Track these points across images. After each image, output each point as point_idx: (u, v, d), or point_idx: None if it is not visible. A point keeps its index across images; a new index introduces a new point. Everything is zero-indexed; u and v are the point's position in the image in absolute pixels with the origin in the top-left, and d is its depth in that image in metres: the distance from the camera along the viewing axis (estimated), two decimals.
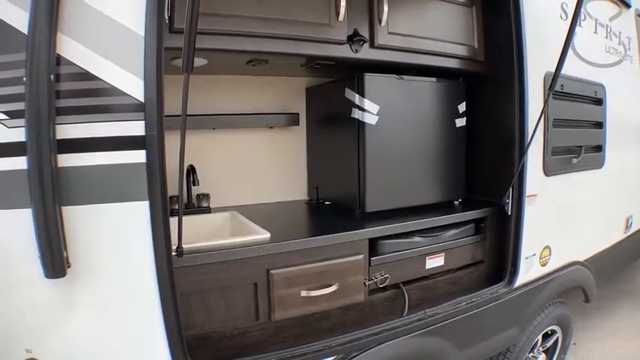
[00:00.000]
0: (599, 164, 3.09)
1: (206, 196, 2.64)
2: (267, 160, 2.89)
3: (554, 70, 2.27)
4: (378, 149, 2.38)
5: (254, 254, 1.91)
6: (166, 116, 1.59)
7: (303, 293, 2.04)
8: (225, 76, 2.68)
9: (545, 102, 2.37)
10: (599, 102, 3.03)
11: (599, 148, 3.07)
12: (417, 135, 2.52)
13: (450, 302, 2.35)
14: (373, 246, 2.24)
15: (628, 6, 3.39)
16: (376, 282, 2.23)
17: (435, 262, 2.42)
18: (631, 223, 3.57)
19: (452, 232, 2.47)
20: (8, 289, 1.46)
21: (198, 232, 2.31)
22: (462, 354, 2.44)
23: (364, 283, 2.20)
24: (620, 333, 4.15)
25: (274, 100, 2.85)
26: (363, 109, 2.33)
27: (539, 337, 3.06)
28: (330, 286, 2.08)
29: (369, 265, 2.22)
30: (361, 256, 2.17)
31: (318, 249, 2.06)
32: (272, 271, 1.96)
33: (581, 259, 3.07)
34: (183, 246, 1.67)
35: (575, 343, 3.94)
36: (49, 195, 1.40)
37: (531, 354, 3.09)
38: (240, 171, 2.81)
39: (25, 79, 1.37)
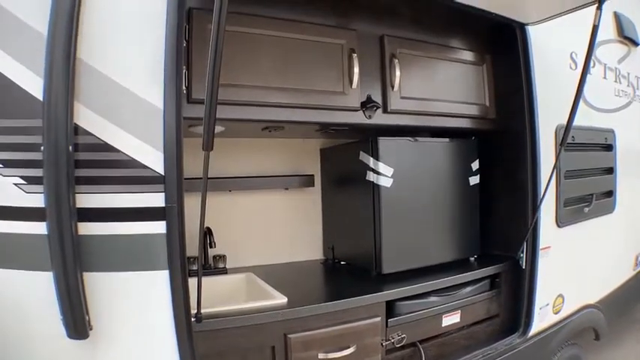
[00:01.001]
0: (610, 209, 3.13)
1: (222, 258, 2.67)
2: (283, 220, 2.93)
3: (565, 123, 2.32)
4: (394, 211, 2.43)
5: (272, 320, 1.95)
6: (185, 179, 1.62)
7: (321, 356, 2.06)
8: (242, 139, 2.74)
9: (557, 157, 2.41)
10: (609, 148, 3.08)
11: (610, 194, 3.12)
12: (432, 195, 2.57)
13: (467, 357, 2.39)
14: (390, 307, 2.27)
15: (636, 44, 3.42)
16: (393, 342, 2.28)
17: (451, 319, 2.45)
18: None
19: (468, 289, 2.51)
20: (29, 345, 1.52)
21: (214, 294, 2.36)
22: None
23: (381, 344, 2.24)
24: None
25: (289, 161, 2.90)
26: (377, 172, 2.37)
27: None
28: (348, 348, 2.12)
29: (387, 326, 2.25)
30: (379, 319, 2.20)
31: (335, 313, 2.09)
32: (289, 336, 1.98)
33: (593, 301, 3.11)
34: (203, 311, 1.73)
35: None
36: (70, 260, 1.44)
37: None
38: (256, 232, 2.84)
39: (42, 147, 1.41)
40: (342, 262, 2.86)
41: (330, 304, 2.09)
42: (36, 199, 1.45)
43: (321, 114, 2.16)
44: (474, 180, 2.70)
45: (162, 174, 1.55)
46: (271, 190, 2.86)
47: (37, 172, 1.44)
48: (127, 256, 1.55)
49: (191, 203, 1.68)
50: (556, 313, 2.78)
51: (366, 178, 2.42)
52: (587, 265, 2.99)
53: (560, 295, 2.77)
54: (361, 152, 2.44)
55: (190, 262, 2.45)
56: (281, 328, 1.98)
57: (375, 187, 2.40)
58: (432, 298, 2.39)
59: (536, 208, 2.46)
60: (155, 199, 1.56)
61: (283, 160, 2.89)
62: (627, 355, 4.31)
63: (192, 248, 2.49)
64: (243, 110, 2.00)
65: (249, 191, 2.79)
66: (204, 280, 2.32)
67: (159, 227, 1.56)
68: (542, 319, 2.67)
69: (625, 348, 4.40)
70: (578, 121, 2.61)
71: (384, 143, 2.38)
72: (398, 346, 2.31)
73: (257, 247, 2.85)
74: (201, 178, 1.53)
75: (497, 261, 2.67)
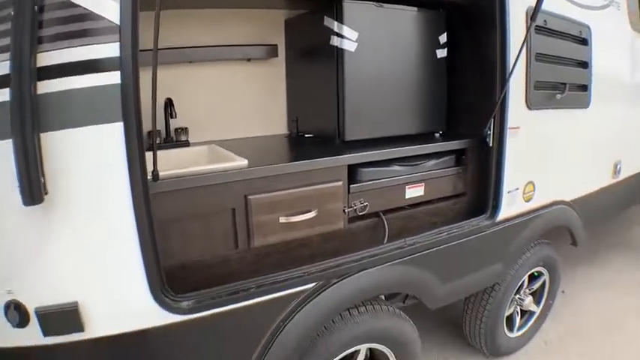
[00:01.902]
0: (584, 104, 3.10)
1: (184, 130, 2.66)
2: (246, 94, 2.91)
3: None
4: (357, 77, 2.41)
5: (231, 180, 1.94)
6: (141, 50, 1.59)
7: (282, 219, 2.07)
8: (202, 10, 2.68)
9: (528, 30, 2.36)
10: (584, 42, 3.04)
11: (585, 88, 3.08)
12: (397, 64, 2.54)
13: (431, 232, 2.38)
14: (352, 173, 2.27)
15: None
16: (355, 210, 2.27)
17: (414, 191, 2.46)
18: (619, 168, 3.59)
19: (432, 162, 2.51)
20: None
21: (175, 165, 2.33)
22: (444, 287, 2.49)
23: (343, 210, 2.24)
24: (613, 286, 4.23)
25: (253, 34, 2.85)
26: (341, 36, 2.35)
27: (526, 278, 3.11)
28: (309, 212, 2.12)
29: (348, 192, 2.25)
30: (340, 183, 2.20)
31: (296, 174, 2.09)
32: (250, 197, 1.98)
33: (567, 199, 3.11)
34: (161, 174, 1.71)
35: (563, 292, 4.02)
36: (28, 123, 1.41)
37: (517, 295, 3.15)
38: (219, 106, 2.83)
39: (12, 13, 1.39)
40: (307, 135, 2.85)
41: (291, 165, 2.10)
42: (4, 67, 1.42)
43: None
44: (441, 53, 2.68)
45: (118, 24, 1.52)
46: (234, 62, 2.82)
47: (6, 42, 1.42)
48: (83, 110, 1.52)
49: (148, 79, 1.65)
50: (527, 201, 2.77)
51: (330, 42, 2.38)
52: (561, 159, 2.99)
53: (531, 182, 2.76)
54: (325, 17, 2.42)
55: (150, 136, 2.44)
56: (241, 189, 1.97)
57: (339, 52, 2.37)
58: (395, 167, 2.39)
59: (504, 83, 2.43)
60: (110, 50, 1.53)
61: (247, 33, 2.83)
62: (610, 279, 4.39)
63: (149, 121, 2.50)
64: None
65: (211, 63, 2.75)
66: (166, 152, 2.34)
67: (113, 78, 1.53)
68: (512, 203, 2.66)
69: (610, 274, 4.47)
70: (551, 8, 2.61)
71: (349, 6, 2.35)
72: (361, 214, 2.30)
73: (220, 120, 2.83)
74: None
75: (462, 137, 2.66)
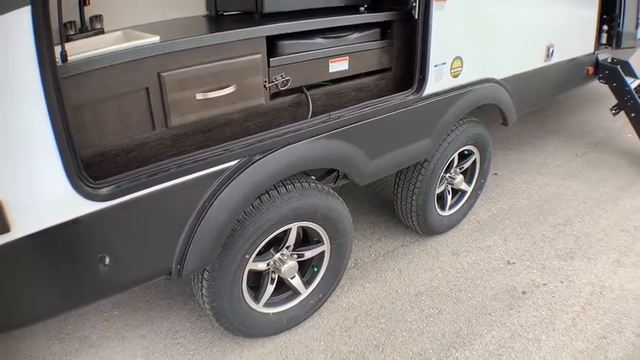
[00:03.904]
0: None
1: (98, 18, 2.57)
2: None
3: None
4: None
5: (142, 56, 1.89)
6: None
7: (199, 96, 2.07)
8: None
9: None
10: None
11: None
12: None
13: (356, 106, 2.43)
14: (272, 46, 2.26)
15: None
16: (277, 84, 2.28)
17: (338, 65, 2.48)
18: (552, 51, 3.67)
19: (356, 35, 2.51)
20: None
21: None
22: (372, 163, 2.58)
23: (264, 85, 2.24)
24: (548, 169, 4.46)
25: None
26: None
27: (456, 157, 3.25)
28: (228, 87, 2.11)
29: (269, 66, 2.25)
30: (259, 56, 2.19)
31: (210, 48, 2.06)
32: (163, 74, 1.96)
33: (498, 77, 3.18)
34: (71, 57, 1.68)
35: (496, 174, 4.23)
36: None
37: (448, 174, 3.30)
38: None
39: None
40: (226, 13, 2.79)
41: (204, 37, 2.06)
42: None
43: None
44: None
45: None
46: None
47: None
48: None
49: None
50: (455, 77, 2.83)
51: None
52: (491, 36, 3.02)
53: (459, 58, 2.80)
54: None
55: (67, 27, 2.41)
56: (153, 65, 1.93)
57: None
58: (317, 40, 2.38)
59: None
60: None
61: None
62: (545, 161, 4.61)
63: (69, 13, 2.39)
64: None
65: None
66: (80, 42, 2.26)
67: None
68: (439, 78, 2.72)
69: (544, 157, 4.70)
70: None
71: None
72: (283, 89, 2.31)
73: (136, 5, 2.74)
74: None
75: (388, 10, 2.65)
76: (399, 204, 3.26)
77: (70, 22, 2.50)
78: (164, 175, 1.86)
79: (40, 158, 1.59)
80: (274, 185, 2.28)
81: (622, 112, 4.58)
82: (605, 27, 4.74)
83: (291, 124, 2.22)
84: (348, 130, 2.38)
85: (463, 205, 3.54)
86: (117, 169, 1.90)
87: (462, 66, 2.84)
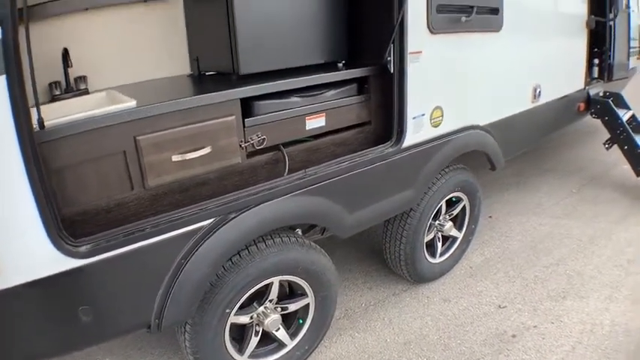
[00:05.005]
0: (495, 27, 3.16)
1: (83, 78, 2.69)
2: (146, 36, 2.90)
3: None
4: (249, 9, 2.40)
5: (118, 121, 1.97)
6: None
7: (175, 158, 2.12)
8: None
9: None
10: None
11: (496, 11, 3.13)
12: None
13: (332, 161, 2.48)
14: (248, 107, 2.32)
15: None
16: (253, 144, 2.34)
17: (315, 122, 2.53)
18: (539, 92, 3.71)
19: (332, 92, 2.57)
20: None
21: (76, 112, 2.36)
22: (353, 216, 2.62)
23: (240, 145, 2.30)
24: (543, 209, 4.47)
25: None
26: None
27: (443, 204, 3.27)
28: (203, 148, 2.18)
29: (244, 126, 2.31)
30: (233, 117, 2.25)
31: (185, 112, 2.12)
32: (138, 137, 2.02)
33: (481, 123, 3.23)
34: (49, 122, 1.77)
35: (490, 216, 4.23)
36: None
37: (437, 221, 3.32)
38: (120, 51, 2.82)
39: None
40: (208, 73, 2.87)
41: (178, 102, 2.12)
42: None
43: None
44: None
45: None
46: (130, 5, 2.81)
47: None
48: None
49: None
50: (436, 127, 2.88)
51: None
52: (472, 83, 3.08)
53: (439, 108, 2.86)
54: None
55: (52, 87, 2.57)
56: (129, 130, 2.01)
57: None
58: (293, 99, 2.45)
59: (400, 6, 2.48)
60: None
61: None
62: (541, 200, 4.62)
63: (53, 73, 2.53)
64: None
65: (108, 8, 2.74)
66: (65, 102, 2.41)
67: None
68: (418, 129, 2.77)
69: (540, 197, 4.70)
70: None
71: None
72: (259, 148, 2.37)
73: (122, 66, 2.84)
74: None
75: (364, 65, 2.71)
76: (387, 253, 3.28)
77: (56, 83, 2.61)
78: (140, 234, 1.93)
79: (21, 219, 1.67)
80: (253, 241, 2.33)
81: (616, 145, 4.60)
82: (596, 60, 4.80)
83: (266, 183, 2.27)
84: (325, 185, 2.43)
85: (455, 251, 3.54)
86: (97, 228, 1.96)
87: (442, 116, 2.89)
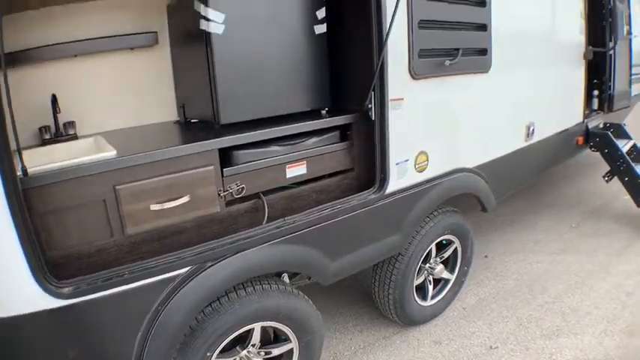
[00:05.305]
0: (483, 68, 3.18)
1: (72, 124, 2.75)
2: (134, 83, 2.96)
3: None
4: (229, 59, 2.44)
5: (97, 171, 2.02)
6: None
7: (154, 207, 2.15)
8: (85, 2, 2.72)
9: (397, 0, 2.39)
10: (481, 3, 3.08)
11: (484, 52, 3.15)
12: (273, 43, 2.57)
13: (313, 209, 2.48)
14: (227, 156, 2.35)
15: None
16: (232, 193, 2.36)
17: (296, 170, 2.55)
18: (533, 130, 3.70)
19: (313, 139, 2.59)
20: None
21: (63, 158, 2.39)
22: (335, 263, 2.62)
23: (218, 194, 2.32)
24: (541, 246, 4.42)
25: (135, 22, 2.88)
26: (208, 19, 2.36)
27: (433, 247, 3.25)
28: (181, 198, 2.20)
29: (223, 176, 2.34)
30: (211, 167, 2.28)
31: (163, 162, 2.16)
32: (117, 187, 2.07)
33: (470, 165, 3.22)
34: (33, 169, 1.86)
35: (486, 256, 4.19)
36: None
37: (427, 264, 3.29)
38: (108, 97, 2.89)
39: None
40: (193, 121, 2.91)
41: (155, 152, 2.16)
42: None
43: None
44: (320, 29, 2.71)
45: None
46: (118, 51, 2.87)
47: None
48: None
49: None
50: (421, 172, 2.88)
51: (200, 27, 2.41)
52: (459, 125, 3.08)
53: (424, 153, 2.86)
54: (194, 1, 2.42)
55: (42, 132, 2.64)
56: (109, 179, 2.06)
57: (207, 36, 2.39)
58: (273, 148, 2.47)
59: (379, 53, 2.50)
60: None
61: (129, 21, 2.88)
62: (538, 237, 4.56)
63: (41, 118, 2.62)
64: None
65: (96, 55, 2.81)
66: (54, 146, 2.50)
67: None
68: (402, 175, 2.77)
69: (537, 234, 4.65)
70: None
71: None
72: (238, 197, 2.39)
73: (110, 111, 2.90)
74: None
75: (347, 112, 2.74)
76: (377, 297, 3.26)
77: (46, 127, 2.68)
78: (118, 280, 1.97)
79: (8, 259, 1.75)
80: (234, 287, 2.34)
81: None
82: (596, 92, 4.77)
83: (243, 232, 2.28)
84: (305, 233, 2.43)
85: (447, 293, 3.51)
86: (80, 271, 2.02)
87: (427, 160, 2.90)
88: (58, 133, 2.72)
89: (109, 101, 2.89)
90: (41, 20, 2.63)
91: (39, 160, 2.04)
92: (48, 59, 2.68)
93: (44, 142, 2.66)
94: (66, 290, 1.86)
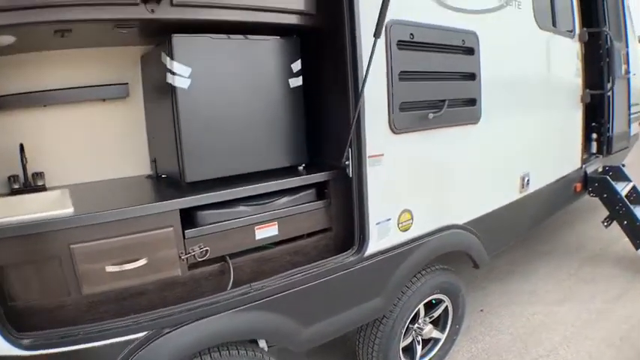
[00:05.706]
0: (473, 119, 3.04)
1: (40, 175, 2.67)
2: (105, 135, 2.85)
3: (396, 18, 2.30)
4: (195, 115, 2.33)
5: (52, 228, 1.96)
6: None
7: (110, 268, 2.06)
8: (53, 52, 2.64)
9: (372, 51, 2.22)
10: (470, 51, 2.96)
11: (473, 102, 3.02)
12: (245, 98, 2.46)
13: (283, 274, 2.33)
14: (190, 217, 2.23)
15: None
16: (194, 255, 2.23)
17: (266, 232, 2.42)
18: (528, 181, 3.54)
19: (285, 199, 2.46)
20: None
21: (30, 210, 2.30)
22: (308, 330, 2.45)
23: (180, 257, 2.20)
24: (538, 297, 4.26)
25: (109, 73, 2.80)
26: (173, 73, 2.26)
27: (421, 308, 3.07)
28: (137, 260, 2.09)
29: (184, 237, 2.21)
30: (171, 229, 2.16)
31: (120, 222, 2.06)
32: (72, 246, 1.99)
33: (460, 222, 3.06)
34: None
35: (482, 310, 4.00)
36: None
37: (416, 325, 3.11)
38: (78, 148, 2.79)
39: None
40: (163, 176, 2.78)
41: (111, 212, 2.06)
42: None
43: (97, 10, 2.02)
44: (295, 82, 2.60)
45: None
46: (90, 102, 2.78)
47: None
48: None
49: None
50: (404, 231, 2.73)
51: (167, 80, 2.31)
52: (446, 181, 2.94)
53: (407, 211, 2.72)
54: (162, 53, 2.33)
55: (11, 181, 2.59)
56: (64, 237, 1.99)
57: (173, 91, 2.29)
58: (241, 208, 2.34)
59: (355, 107, 2.37)
60: None
61: (102, 72, 2.79)
62: (535, 287, 4.37)
63: (10, 167, 2.58)
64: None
65: (66, 106, 2.73)
66: (22, 197, 2.47)
67: None
68: (383, 235, 2.62)
69: (535, 283, 4.46)
70: (420, 19, 2.57)
71: (179, 41, 2.25)
72: (202, 260, 2.27)
73: (80, 163, 2.81)
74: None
75: (325, 169, 2.61)
76: (361, 359, 3.07)
77: (14, 176, 2.61)
78: (72, 339, 1.90)
79: None
80: (199, 353, 2.19)
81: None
82: (594, 135, 4.66)
83: (205, 298, 2.14)
84: (274, 299, 2.28)
85: (437, 353, 3.31)
86: (42, 323, 1.96)
87: (411, 219, 2.75)
88: (27, 183, 2.64)
89: (80, 153, 2.79)
90: (11, 68, 2.56)
91: (3, 213, 1.99)
92: (17, 107, 2.60)
93: (12, 192, 2.59)
94: (25, 342, 1.83)
